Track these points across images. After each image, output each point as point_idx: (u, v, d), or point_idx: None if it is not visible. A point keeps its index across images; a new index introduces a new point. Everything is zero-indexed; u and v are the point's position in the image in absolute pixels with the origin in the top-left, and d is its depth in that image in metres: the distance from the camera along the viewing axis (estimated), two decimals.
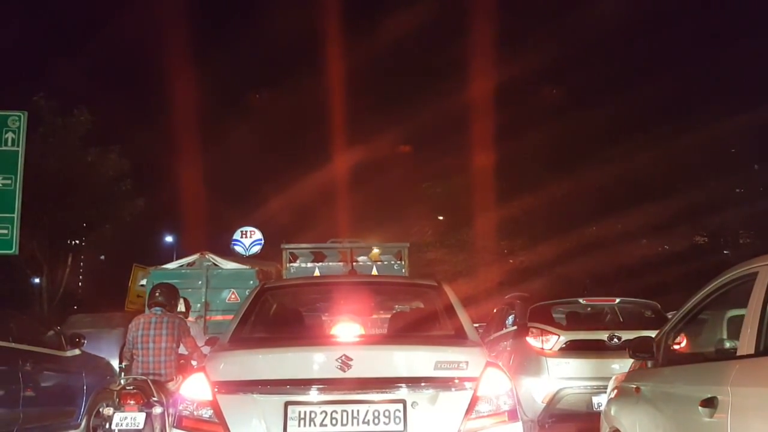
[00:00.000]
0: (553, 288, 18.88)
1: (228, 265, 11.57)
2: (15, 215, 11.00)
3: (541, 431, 6.62)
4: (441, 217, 24.96)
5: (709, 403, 2.83)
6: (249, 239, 20.45)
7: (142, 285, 14.31)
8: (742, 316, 2.93)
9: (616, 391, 4.31)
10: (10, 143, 11.08)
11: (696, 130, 19.51)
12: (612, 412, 4.20)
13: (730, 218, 20.92)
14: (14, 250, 11.22)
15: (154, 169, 27.34)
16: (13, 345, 6.26)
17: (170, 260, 13.12)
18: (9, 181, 11.03)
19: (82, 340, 7.30)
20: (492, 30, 23.96)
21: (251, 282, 10.42)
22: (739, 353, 2.82)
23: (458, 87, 24.69)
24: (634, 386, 3.88)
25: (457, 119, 23.73)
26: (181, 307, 6.49)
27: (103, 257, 38.52)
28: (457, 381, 3.17)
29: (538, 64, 23.84)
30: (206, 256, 11.48)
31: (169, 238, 37.68)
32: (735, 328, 3.90)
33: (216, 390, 3.16)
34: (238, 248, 20.45)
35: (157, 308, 5.48)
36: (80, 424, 7.01)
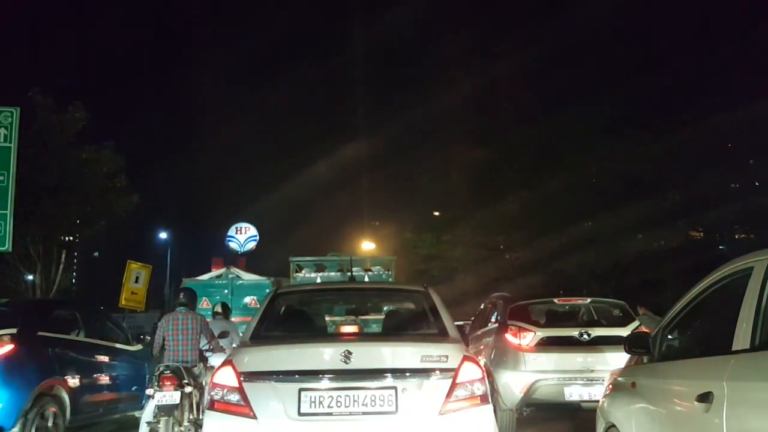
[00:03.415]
0: (549, 284, 18.92)
1: (248, 276, 14.40)
2: (8, 212, 10.97)
3: (519, 419, 7.26)
4: (437, 213, 24.95)
5: (705, 397, 2.83)
6: (244, 235, 20.33)
7: (137, 283, 14.75)
8: None
9: (611, 386, 4.30)
10: (2, 139, 11.05)
11: (692, 124, 19.51)
12: (608, 407, 4.20)
13: (726, 213, 20.94)
14: (7, 246, 11.20)
15: (149, 165, 27.27)
16: (97, 341, 7.67)
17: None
18: (2, 178, 10.99)
19: (146, 337, 8.78)
20: (489, 26, 23.96)
21: (267, 291, 12.14)
22: (734, 348, 2.82)
23: (456, 82, 24.69)
24: (630, 381, 3.87)
25: (453, 115, 23.72)
26: (218, 308, 8.80)
27: (97, 254, 38.40)
28: (438, 371, 3.81)
29: (535, 59, 23.86)
30: (231, 270, 14.39)
31: (163, 235, 37.59)
32: None
33: (242, 379, 3.82)
34: (232, 244, 20.27)
35: (182, 308, 6.67)
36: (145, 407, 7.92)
